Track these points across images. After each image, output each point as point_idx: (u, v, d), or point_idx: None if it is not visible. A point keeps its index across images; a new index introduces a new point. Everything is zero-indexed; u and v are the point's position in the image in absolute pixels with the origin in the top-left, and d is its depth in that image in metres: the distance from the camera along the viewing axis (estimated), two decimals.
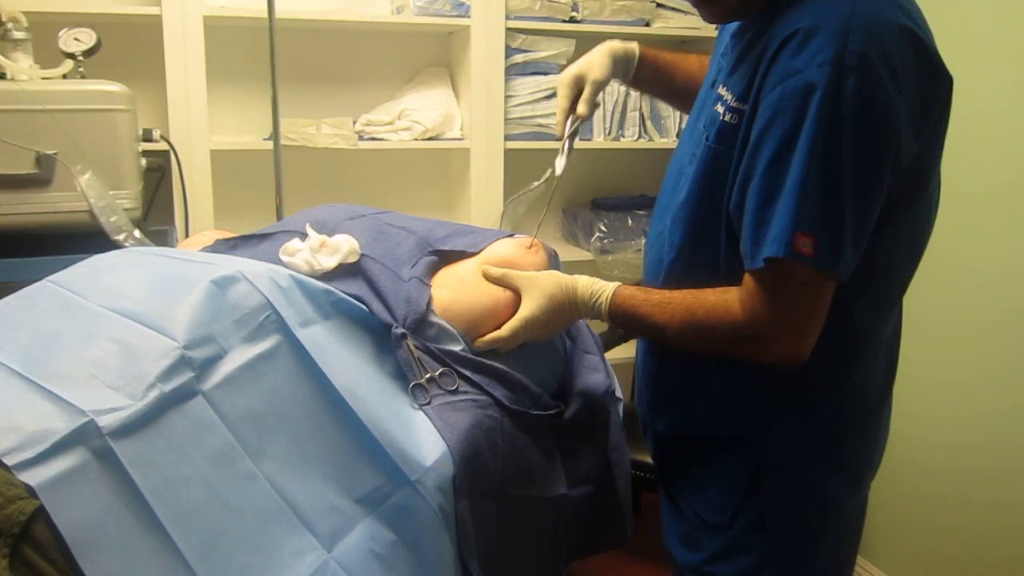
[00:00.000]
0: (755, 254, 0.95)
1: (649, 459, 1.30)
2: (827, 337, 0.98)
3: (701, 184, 1.05)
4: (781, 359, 0.99)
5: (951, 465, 2.03)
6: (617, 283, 1.12)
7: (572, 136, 1.27)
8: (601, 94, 1.31)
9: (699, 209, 1.06)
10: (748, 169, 0.96)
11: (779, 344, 0.98)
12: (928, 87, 0.95)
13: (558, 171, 1.27)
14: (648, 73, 1.33)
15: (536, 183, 1.33)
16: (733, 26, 1.09)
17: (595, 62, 1.27)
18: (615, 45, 1.29)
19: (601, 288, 1.12)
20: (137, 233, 1.53)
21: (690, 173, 1.08)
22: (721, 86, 1.04)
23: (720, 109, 1.02)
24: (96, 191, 1.49)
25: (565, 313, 1.14)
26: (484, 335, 1.14)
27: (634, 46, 1.31)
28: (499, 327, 1.14)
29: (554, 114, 2.47)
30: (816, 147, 0.89)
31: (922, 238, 1.07)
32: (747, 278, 0.98)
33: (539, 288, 1.14)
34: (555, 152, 1.27)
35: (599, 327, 1.33)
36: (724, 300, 1.00)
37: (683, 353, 1.09)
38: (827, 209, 0.91)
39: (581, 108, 1.25)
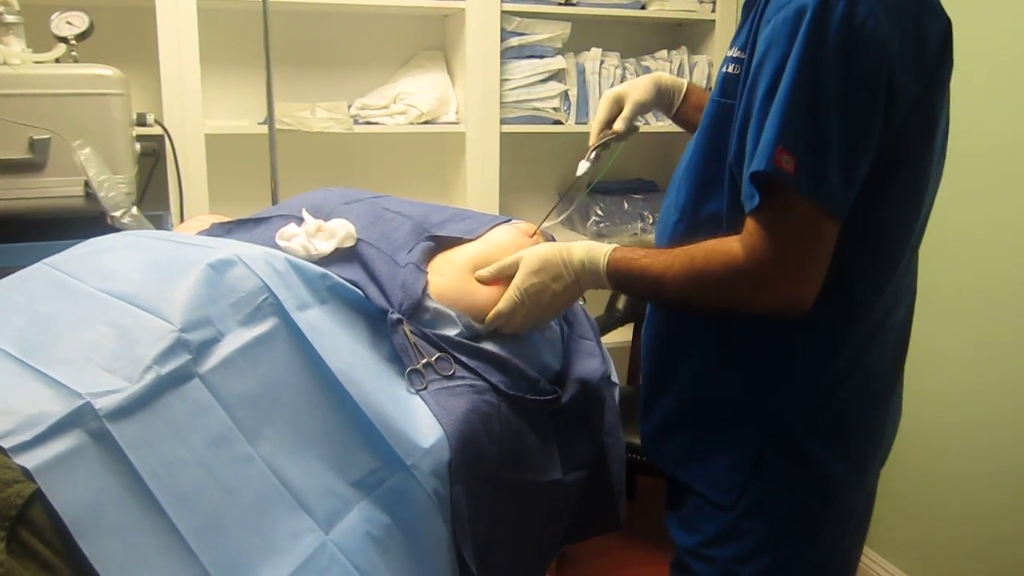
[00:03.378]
0: (751, 192, 0.95)
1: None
2: (822, 302, 0.97)
3: (706, 139, 1.05)
4: (780, 306, 0.98)
5: (958, 456, 2.02)
6: (615, 244, 1.12)
7: (601, 147, 1.30)
8: (640, 118, 1.34)
9: (704, 166, 1.06)
10: (746, 110, 0.97)
11: (778, 287, 0.96)
12: (923, 25, 0.95)
13: (579, 172, 1.30)
14: (692, 110, 1.34)
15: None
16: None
17: (639, 84, 1.31)
18: (663, 76, 1.33)
19: (598, 248, 1.11)
20: (135, 210, 1.53)
21: (697, 135, 1.09)
22: (729, 49, 1.05)
23: (728, 68, 1.03)
24: (95, 167, 1.48)
25: (562, 278, 1.12)
26: (483, 319, 1.15)
27: (683, 81, 1.35)
28: None
29: (551, 96, 2.49)
30: (803, 66, 0.90)
31: (923, 196, 1.05)
32: (748, 222, 0.97)
33: (528, 254, 1.14)
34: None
35: (595, 311, 1.33)
36: (724, 242, 1.00)
37: (682, 320, 1.08)
38: (810, 128, 0.91)
39: (618, 124, 1.28)
